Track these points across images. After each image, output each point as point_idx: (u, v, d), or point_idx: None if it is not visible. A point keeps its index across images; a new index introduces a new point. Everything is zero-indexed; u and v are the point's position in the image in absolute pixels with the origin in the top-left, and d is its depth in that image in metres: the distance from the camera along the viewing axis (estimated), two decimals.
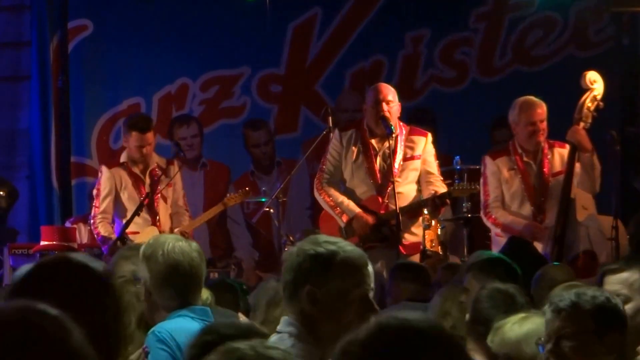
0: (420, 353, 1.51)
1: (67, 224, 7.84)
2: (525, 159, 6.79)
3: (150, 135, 6.99)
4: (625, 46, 9.27)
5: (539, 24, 9.31)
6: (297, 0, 9.10)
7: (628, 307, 3.33)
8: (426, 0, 9.16)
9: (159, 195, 7.03)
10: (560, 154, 6.78)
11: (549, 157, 6.80)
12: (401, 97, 7.31)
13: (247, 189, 7.34)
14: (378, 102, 6.74)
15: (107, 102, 8.88)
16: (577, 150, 6.66)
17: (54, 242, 6.92)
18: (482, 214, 6.91)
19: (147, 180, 7.04)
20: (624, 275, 3.57)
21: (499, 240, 6.86)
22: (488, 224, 6.88)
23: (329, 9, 9.14)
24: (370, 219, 6.70)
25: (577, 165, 6.73)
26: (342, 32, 9.16)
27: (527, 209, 6.78)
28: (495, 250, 6.90)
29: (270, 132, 9.10)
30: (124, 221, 6.92)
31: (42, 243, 7.01)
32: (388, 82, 8.50)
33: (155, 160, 7.13)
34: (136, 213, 6.82)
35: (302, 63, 9.15)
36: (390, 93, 6.80)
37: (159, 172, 7.05)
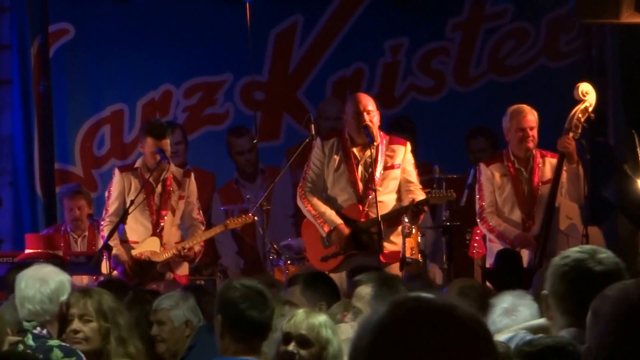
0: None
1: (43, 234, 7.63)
2: (517, 166, 6.85)
3: (165, 143, 6.89)
4: (593, 57, 9.31)
5: (513, 35, 9.34)
6: (278, 7, 9.03)
7: (359, 320, 3.50)
8: (404, 9, 9.14)
9: (168, 205, 6.93)
10: (551, 163, 6.84)
11: (540, 165, 6.90)
12: (381, 105, 7.28)
13: (250, 214, 7.28)
14: (359, 112, 6.75)
15: (90, 108, 8.71)
16: (564, 160, 6.72)
17: (39, 250, 6.74)
18: (477, 219, 6.99)
19: (159, 189, 6.93)
20: (361, 288, 3.80)
21: (492, 246, 6.90)
22: (483, 229, 6.98)
23: (309, 16, 9.11)
24: (347, 230, 6.67)
25: (563, 175, 6.79)
26: (323, 40, 9.13)
27: (517, 215, 6.87)
28: (487, 259, 6.92)
29: (254, 139, 8.98)
30: (124, 226, 6.85)
31: (27, 251, 6.83)
32: (369, 90, 8.53)
33: (172, 170, 7.02)
34: (124, 218, 6.70)
35: (285, 70, 9.09)
36: (369, 103, 6.81)
37: (172, 184, 6.97)
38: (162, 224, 6.93)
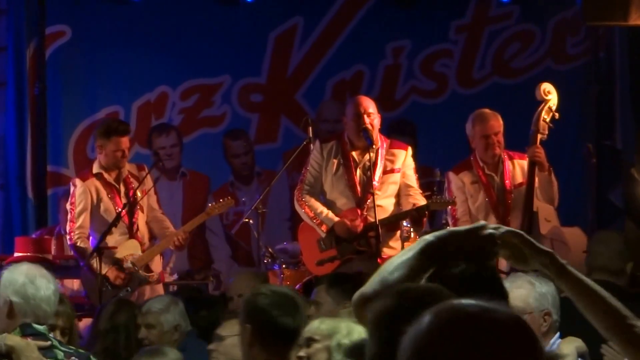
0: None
1: (33, 237, 7.58)
2: (487, 171, 6.81)
3: (127, 139, 6.85)
4: (601, 60, 9.21)
5: (518, 37, 9.28)
6: (279, 9, 9.00)
7: None
8: (407, 11, 9.10)
9: (137, 204, 6.87)
10: (520, 165, 6.76)
11: (509, 168, 6.80)
12: (382, 108, 7.22)
13: (229, 198, 7.19)
14: (359, 114, 6.69)
15: (85, 110, 8.68)
16: (535, 168, 6.63)
17: (29, 254, 6.67)
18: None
19: (122, 189, 6.86)
20: None
21: None
22: None
23: (310, 19, 9.07)
24: (359, 224, 6.59)
25: (536, 180, 6.70)
26: (323, 42, 9.09)
27: (492, 222, 6.68)
28: None
29: (250, 142, 8.94)
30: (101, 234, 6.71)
31: (16, 254, 6.76)
32: (369, 92, 8.46)
33: (127, 168, 6.96)
34: (113, 224, 6.64)
35: (283, 72, 9.05)
36: (370, 105, 6.75)
37: (133, 181, 6.87)
38: (136, 223, 6.84)
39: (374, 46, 9.06)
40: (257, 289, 3.77)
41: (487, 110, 6.78)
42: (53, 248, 7.35)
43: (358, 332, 3.41)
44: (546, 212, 6.66)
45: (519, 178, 6.72)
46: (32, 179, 8.23)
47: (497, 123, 6.68)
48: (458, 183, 6.76)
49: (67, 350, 3.68)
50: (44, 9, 8.38)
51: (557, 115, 6.68)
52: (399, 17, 9.07)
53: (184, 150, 8.87)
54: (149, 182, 6.95)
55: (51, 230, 7.66)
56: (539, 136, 6.61)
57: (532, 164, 6.57)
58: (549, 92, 6.72)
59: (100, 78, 8.64)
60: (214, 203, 7.08)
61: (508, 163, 6.75)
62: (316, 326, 3.55)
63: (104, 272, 6.60)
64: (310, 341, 3.53)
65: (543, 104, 6.69)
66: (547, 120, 6.64)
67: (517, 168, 6.74)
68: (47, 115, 8.38)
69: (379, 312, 2.02)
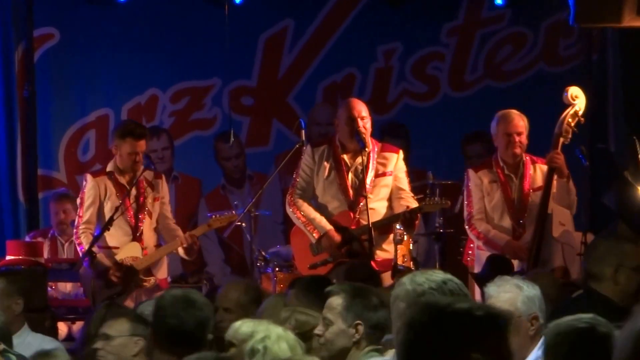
0: None
1: (27, 239, 7.62)
2: (507, 172, 6.88)
3: (143, 143, 6.85)
4: (594, 62, 9.26)
5: (510, 40, 9.33)
6: (269, 11, 9.07)
7: (329, 332, 3.59)
8: (398, 14, 9.16)
9: (145, 209, 6.87)
10: (542, 170, 6.83)
11: (530, 171, 6.87)
12: (373, 110, 7.29)
13: (233, 212, 7.21)
14: (352, 118, 6.76)
15: (75, 113, 8.73)
16: (554, 174, 6.67)
17: (20, 257, 6.70)
18: (466, 226, 6.95)
19: (134, 192, 6.87)
20: (332, 299, 3.76)
21: (480, 254, 6.84)
22: (472, 236, 6.93)
23: (301, 21, 9.14)
24: (337, 237, 6.63)
25: (554, 185, 6.74)
26: (314, 44, 9.17)
27: (507, 222, 6.83)
28: (476, 267, 6.85)
29: (241, 145, 8.98)
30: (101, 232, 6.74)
31: (8, 258, 6.80)
32: (360, 95, 8.54)
33: (143, 173, 6.97)
34: (108, 225, 6.66)
35: (274, 75, 9.11)
36: (363, 108, 6.84)
37: (145, 186, 6.91)
38: (141, 227, 6.87)
39: (365, 49, 9.13)
40: (164, 292, 3.95)
41: (513, 110, 6.84)
42: (46, 251, 7.39)
43: (276, 335, 3.49)
44: (561, 215, 6.70)
45: (539, 182, 6.77)
46: (22, 182, 8.27)
47: (521, 123, 6.74)
48: (476, 181, 6.83)
49: (13, 353, 3.72)
50: (31, 11, 8.40)
51: (582, 120, 6.75)
52: (390, 20, 9.15)
53: (175, 153, 8.92)
54: (164, 191, 6.98)
55: (45, 233, 7.73)
56: (561, 140, 6.68)
57: (551, 173, 6.64)
58: (576, 97, 6.78)
59: (90, 81, 8.69)
60: (217, 215, 7.11)
61: (530, 166, 6.81)
62: (235, 329, 3.61)
63: (101, 270, 6.64)
64: (229, 345, 3.60)
65: (569, 108, 6.74)
66: (572, 124, 6.70)
67: (538, 172, 6.81)
68: (37, 119, 8.41)
69: None
